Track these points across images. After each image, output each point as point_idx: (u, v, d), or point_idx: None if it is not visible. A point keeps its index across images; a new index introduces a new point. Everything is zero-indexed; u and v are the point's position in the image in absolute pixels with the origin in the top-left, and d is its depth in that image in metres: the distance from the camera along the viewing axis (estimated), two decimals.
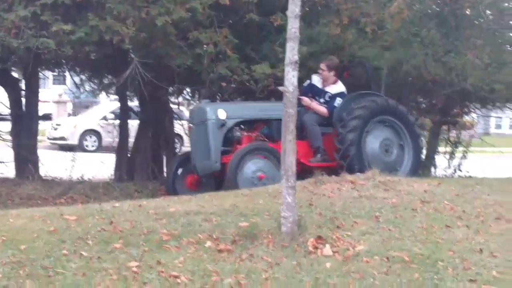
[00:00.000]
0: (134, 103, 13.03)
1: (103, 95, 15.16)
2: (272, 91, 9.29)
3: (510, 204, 7.16)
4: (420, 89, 11.17)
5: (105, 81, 11.98)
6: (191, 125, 8.92)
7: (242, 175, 8.10)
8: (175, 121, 12.01)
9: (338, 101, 8.88)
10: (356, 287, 4.41)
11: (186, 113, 13.01)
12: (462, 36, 10.45)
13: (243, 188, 7.56)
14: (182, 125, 12.48)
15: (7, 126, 11.60)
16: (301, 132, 8.29)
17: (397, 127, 8.97)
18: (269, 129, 8.79)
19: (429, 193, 7.28)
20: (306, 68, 9.15)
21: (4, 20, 8.40)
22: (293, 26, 5.41)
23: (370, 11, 9.53)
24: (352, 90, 9.18)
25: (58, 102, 25.53)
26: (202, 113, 8.61)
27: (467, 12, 10.87)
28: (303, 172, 7.46)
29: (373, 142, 8.76)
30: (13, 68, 10.98)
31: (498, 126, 44.78)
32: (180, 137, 15.29)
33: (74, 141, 20.88)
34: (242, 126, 8.78)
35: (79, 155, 12.30)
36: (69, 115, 25.77)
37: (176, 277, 4.40)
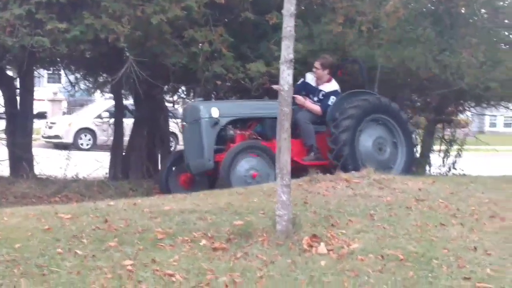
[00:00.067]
0: (129, 102, 13.03)
1: (98, 93, 15.16)
2: (267, 89, 9.30)
3: (504, 202, 7.18)
4: (416, 87, 11.19)
5: (100, 79, 11.98)
6: (184, 123, 8.92)
7: (235, 174, 8.10)
8: (170, 119, 12.01)
9: (332, 99, 8.89)
10: (351, 285, 4.41)
11: (181, 112, 13.01)
12: (457, 34, 10.47)
13: (236, 187, 7.56)
14: (177, 123, 12.48)
15: (1, 124, 11.59)
16: (295, 130, 8.29)
17: (390, 125, 8.99)
18: (263, 127, 8.79)
19: (423, 191, 7.29)
20: (306, 66, 9.17)
21: None
22: (289, 25, 5.41)
23: (365, 10, 9.54)
24: (347, 88, 9.19)
25: (53, 101, 25.50)
26: (196, 112, 8.60)
27: (462, 10, 10.89)
28: (296, 170, 7.46)
29: (366, 140, 8.77)
30: (7, 67, 10.97)
31: (493, 125, 44.91)
32: (175, 135, 15.31)
33: (68, 139, 20.87)
34: (236, 125, 8.78)
35: (74, 153, 12.29)
36: (64, 113, 25.74)
37: (171, 275, 4.40)
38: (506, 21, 11.28)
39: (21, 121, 10.69)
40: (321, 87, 9.03)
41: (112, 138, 11.76)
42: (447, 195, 7.24)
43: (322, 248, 5.13)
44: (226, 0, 8.98)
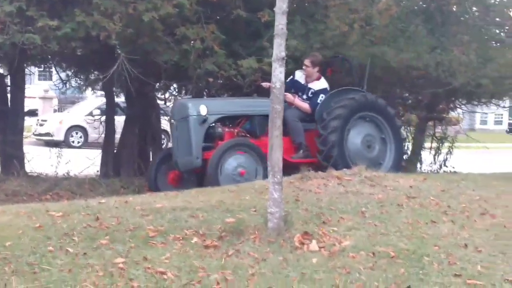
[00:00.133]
0: (120, 99, 12.99)
1: (89, 90, 15.10)
2: (259, 86, 9.29)
3: (494, 200, 7.23)
4: (408, 85, 11.21)
5: (92, 76, 11.92)
6: (173, 121, 8.89)
7: (223, 172, 8.10)
8: (161, 117, 11.98)
9: (321, 97, 8.89)
10: (342, 282, 4.42)
11: (170, 109, 12.98)
12: (449, 32, 10.50)
13: (224, 185, 7.56)
14: (168, 121, 12.45)
15: None
16: (283, 128, 8.28)
17: (377, 121, 9.00)
18: (251, 125, 8.79)
19: (414, 188, 7.32)
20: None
21: None
22: (281, 23, 5.42)
23: (358, 8, 9.55)
24: (337, 86, 9.19)
25: (44, 98, 25.38)
26: (184, 109, 8.58)
27: (453, 8, 10.93)
28: (285, 168, 7.42)
29: (355, 138, 8.79)
30: None
31: (484, 122, 45.11)
32: (166, 133, 15.23)
33: (59, 137, 20.79)
34: (224, 122, 8.78)
35: (65, 151, 12.26)
36: (55, 111, 25.64)
37: (163, 273, 4.39)
38: (497, 19, 11.32)
39: (12, 119, 10.63)
40: (310, 85, 9.03)
41: (103, 135, 11.73)
42: (438, 192, 7.27)
43: (313, 245, 5.15)
44: None
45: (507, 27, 11.46)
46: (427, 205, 6.68)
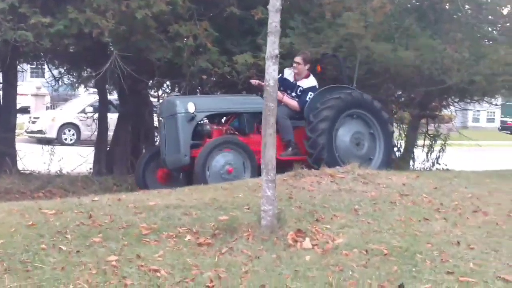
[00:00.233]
0: (113, 96, 12.96)
1: (82, 88, 15.04)
2: (249, 84, 9.28)
3: (487, 197, 7.26)
4: (401, 83, 11.22)
5: (84, 74, 11.90)
6: (161, 118, 8.86)
7: (211, 170, 8.07)
8: (154, 114, 11.96)
9: (310, 95, 8.89)
10: (335, 279, 4.42)
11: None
12: (441, 30, 10.52)
13: (212, 183, 7.55)
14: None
15: None
16: None
17: (364, 117, 8.99)
18: (240, 122, 8.77)
19: (407, 186, 7.34)
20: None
21: None
22: (274, 20, 5.41)
23: (352, 5, 9.55)
24: (326, 83, 9.21)
25: (36, 95, 25.27)
26: (172, 107, 8.54)
27: (446, 6, 10.95)
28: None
29: (344, 137, 8.78)
30: None
31: (476, 120, 45.26)
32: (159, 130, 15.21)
33: (52, 134, 20.72)
34: (213, 120, 8.76)
35: (58, 148, 12.21)
36: (48, 108, 25.53)
37: (156, 271, 4.39)
38: (489, 17, 11.36)
39: (4, 116, 10.60)
40: (299, 83, 9.02)
41: (96, 133, 11.70)
42: (431, 190, 7.29)
43: (306, 243, 5.16)
44: None
45: (499, 25, 11.50)
46: (420, 202, 6.70)
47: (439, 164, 12.59)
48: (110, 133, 11.54)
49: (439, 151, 12.76)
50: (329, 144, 8.53)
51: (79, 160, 11.48)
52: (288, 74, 9.08)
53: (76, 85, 13.08)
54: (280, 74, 9.12)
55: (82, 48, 9.46)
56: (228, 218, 5.51)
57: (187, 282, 4.26)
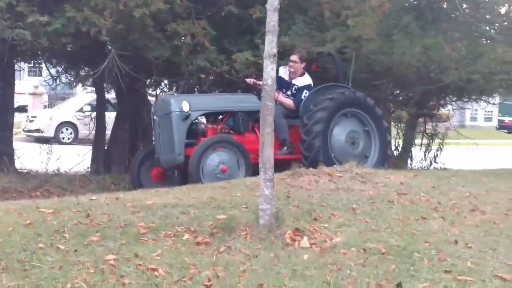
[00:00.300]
0: (111, 95, 12.95)
1: (79, 87, 15.03)
2: (253, 83, 9.26)
3: (484, 196, 7.26)
4: (399, 82, 11.23)
5: (82, 73, 11.89)
6: (155, 117, 8.85)
7: (205, 169, 8.06)
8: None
9: (305, 93, 8.88)
10: (333, 278, 4.42)
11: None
12: (439, 29, 10.52)
13: (206, 182, 7.54)
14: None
15: None
16: None
17: (358, 115, 8.97)
18: (235, 121, 8.76)
19: (405, 185, 7.34)
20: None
21: None
22: (272, 19, 5.41)
23: (351, 4, 9.55)
24: (322, 82, 9.20)
25: (34, 94, 25.27)
26: (166, 105, 8.52)
27: (444, 5, 10.96)
28: None
29: (339, 136, 8.77)
30: None
31: (473, 119, 45.26)
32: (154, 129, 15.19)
33: (50, 133, 20.72)
34: (207, 118, 8.74)
35: (55, 147, 12.21)
36: (45, 107, 25.53)
37: (154, 270, 4.39)
38: (487, 16, 11.37)
39: (2, 115, 10.59)
40: (294, 81, 9.00)
41: (93, 132, 11.69)
42: (428, 189, 7.30)
43: (304, 242, 5.16)
44: None
45: (497, 24, 11.52)
46: (418, 201, 6.71)
47: (437, 163, 12.61)
48: (108, 132, 11.52)
49: (437, 150, 12.78)
50: (325, 145, 8.51)
51: (76, 159, 11.47)
52: (283, 72, 9.06)
53: (74, 84, 13.08)
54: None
55: (79, 47, 9.45)
56: (226, 217, 5.51)
57: (185, 281, 4.26)
